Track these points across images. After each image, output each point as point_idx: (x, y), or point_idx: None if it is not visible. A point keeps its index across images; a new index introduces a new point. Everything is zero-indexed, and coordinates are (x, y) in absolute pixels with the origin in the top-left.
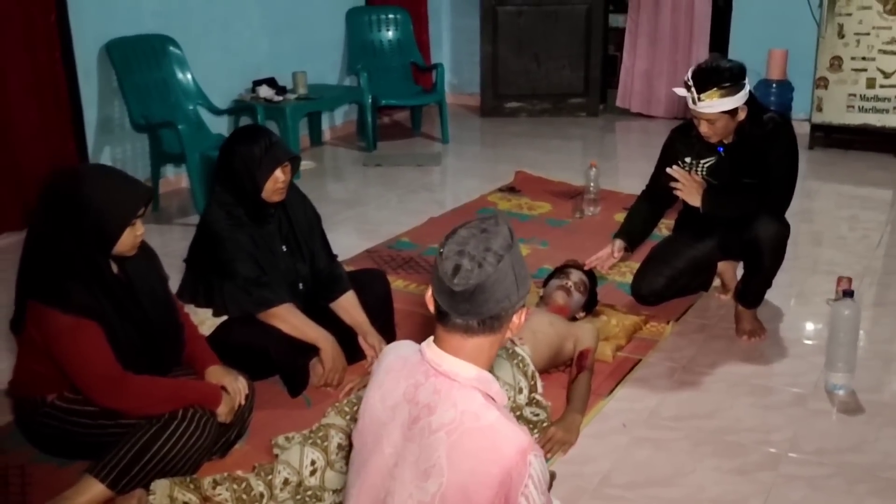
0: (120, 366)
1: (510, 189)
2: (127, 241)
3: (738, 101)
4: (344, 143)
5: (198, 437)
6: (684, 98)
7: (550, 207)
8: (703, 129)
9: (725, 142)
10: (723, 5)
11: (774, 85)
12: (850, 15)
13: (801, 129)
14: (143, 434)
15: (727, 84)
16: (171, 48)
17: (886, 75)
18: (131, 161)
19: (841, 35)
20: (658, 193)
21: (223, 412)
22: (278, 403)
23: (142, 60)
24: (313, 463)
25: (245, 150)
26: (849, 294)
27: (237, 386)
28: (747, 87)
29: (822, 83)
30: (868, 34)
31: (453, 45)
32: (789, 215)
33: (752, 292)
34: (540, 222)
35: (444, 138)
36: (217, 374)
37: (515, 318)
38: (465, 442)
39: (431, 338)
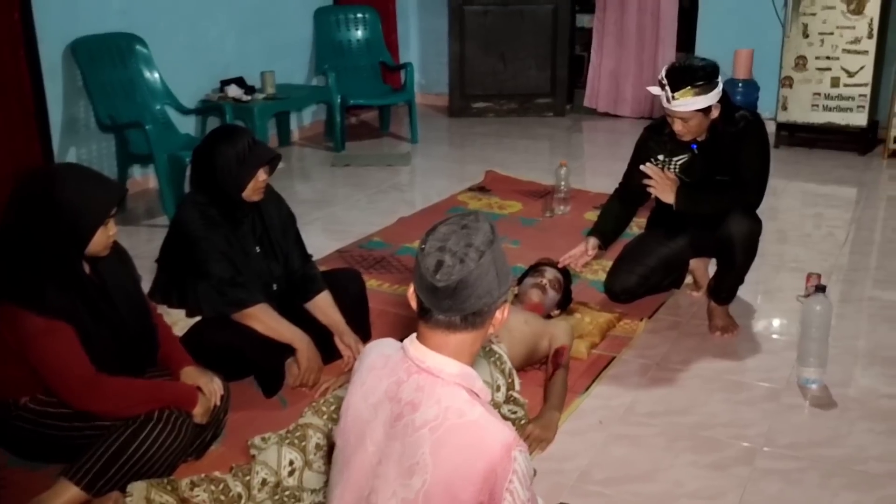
0: (94, 367)
1: (480, 188)
2: (100, 241)
3: (711, 99)
4: (312, 143)
5: (174, 438)
6: (652, 97)
7: (521, 206)
8: (677, 127)
9: (698, 140)
10: (689, 6)
11: (741, 84)
12: (814, 15)
13: (767, 128)
14: (119, 436)
15: (701, 83)
16: (138, 47)
17: (850, 74)
18: (97, 161)
19: (805, 35)
20: (631, 192)
21: (199, 413)
22: (254, 404)
23: (108, 60)
24: (291, 463)
25: (228, 148)
26: (821, 289)
27: (212, 387)
28: (720, 86)
29: (787, 82)
30: (832, 34)
31: (421, 45)
32: (757, 213)
33: (725, 289)
34: (511, 221)
35: (413, 138)
36: (192, 374)
37: (498, 314)
38: (449, 438)
39: (414, 335)
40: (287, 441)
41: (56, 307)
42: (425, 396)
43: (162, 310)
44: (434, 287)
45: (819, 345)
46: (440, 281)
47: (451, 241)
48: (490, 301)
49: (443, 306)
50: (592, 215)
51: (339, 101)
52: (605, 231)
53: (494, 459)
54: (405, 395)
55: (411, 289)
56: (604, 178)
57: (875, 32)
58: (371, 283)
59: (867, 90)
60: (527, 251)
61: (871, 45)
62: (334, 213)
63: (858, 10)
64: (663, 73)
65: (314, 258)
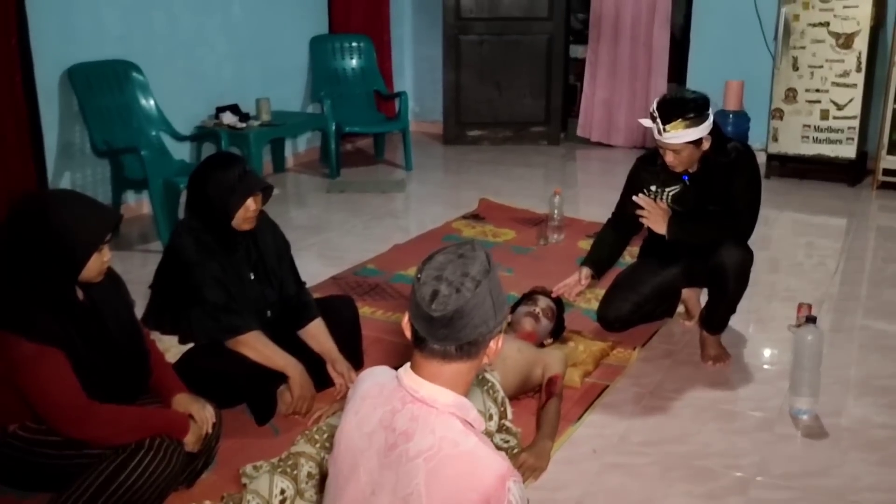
0: (85, 395)
1: (474, 216)
2: (94, 267)
3: (702, 131)
4: (307, 170)
5: (164, 466)
6: (644, 128)
7: (515, 234)
8: (669, 158)
9: (690, 171)
10: (680, 38)
11: (731, 115)
12: (804, 48)
13: (758, 159)
14: (109, 464)
15: (692, 115)
16: (134, 74)
17: (839, 107)
18: (92, 187)
19: (795, 67)
20: (624, 221)
21: (190, 441)
22: (246, 432)
23: (104, 86)
24: (283, 492)
25: (219, 176)
26: (812, 320)
27: (204, 414)
28: (711, 118)
29: (777, 114)
30: (822, 67)
31: (416, 74)
32: (748, 243)
33: (717, 318)
34: (505, 249)
35: (407, 165)
36: (184, 402)
37: (493, 344)
38: (443, 469)
39: (408, 364)
40: (279, 469)
41: (47, 333)
42: (420, 426)
43: (155, 336)
44: (430, 316)
45: (811, 375)
46: (436, 311)
47: (447, 270)
48: (486, 331)
49: (438, 336)
50: (586, 244)
51: (333, 128)
52: (599, 260)
53: (489, 490)
54: (399, 425)
55: (406, 318)
56: (597, 207)
57: (863, 66)
58: (365, 310)
59: (856, 122)
60: (520, 279)
61: (859, 79)
62: (329, 239)
63: (847, 45)
64: (654, 105)
65: (309, 284)
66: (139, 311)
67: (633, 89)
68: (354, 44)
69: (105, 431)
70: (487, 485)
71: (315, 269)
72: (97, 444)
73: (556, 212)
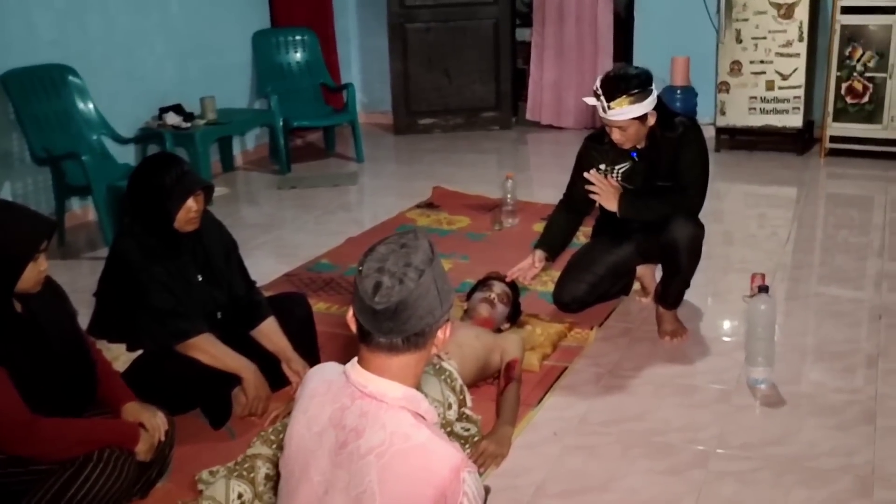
0: (28, 410)
1: (428, 205)
2: (30, 278)
3: (646, 106)
4: (257, 167)
5: (115, 478)
6: (593, 108)
7: (469, 221)
8: (616, 135)
9: (638, 147)
10: (625, 16)
11: (679, 91)
12: (746, 20)
13: (707, 133)
14: (57, 480)
15: (635, 91)
16: (71, 77)
17: (784, 77)
18: (34, 195)
19: (739, 40)
20: (575, 202)
21: (142, 450)
22: (201, 437)
23: (40, 91)
24: (240, 496)
25: (155, 180)
26: (764, 289)
27: (156, 422)
28: (655, 93)
29: (723, 87)
30: (765, 38)
31: (363, 64)
32: (701, 216)
33: (671, 293)
34: (459, 236)
35: (358, 157)
36: (134, 410)
37: (440, 334)
38: (396, 464)
39: (355, 359)
40: (235, 473)
41: None
42: (369, 422)
43: (101, 345)
44: (373, 310)
45: (766, 344)
46: (379, 303)
47: (389, 261)
48: (432, 321)
49: (383, 328)
50: (540, 226)
51: (281, 123)
52: (552, 243)
53: (444, 483)
54: (349, 422)
55: (350, 312)
56: (550, 189)
57: (805, 35)
58: (319, 305)
59: (801, 92)
60: (476, 266)
61: (802, 48)
62: (281, 236)
63: (788, 15)
64: (598, 83)
65: (261, 283)
66: (85, 321)
67: (581, 70)
68: (298, 37)
69: (51, 447)
70: (442, 477)
71: (268, 266)
72: (44, 459)
73: (509, 196)
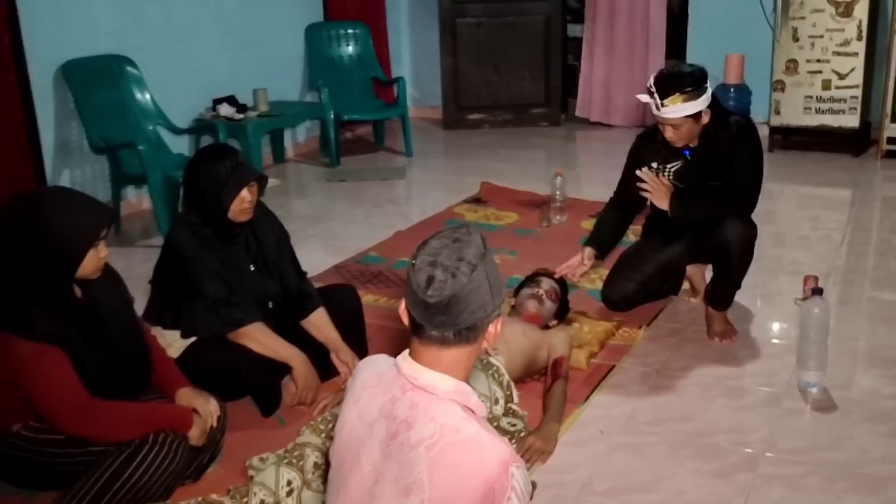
0: (87, 392)
1: (476, 200)
2: (90, 264)
3: (700, 104)
4: (307, 160)
5: (170, 461)
6: (644, 106)
7: (517, 217)
8: (668, 133)
9: (691, 146)
10: (678, 13)
11: (732, 89)
12: (803, 18)
13: (760, 132)
14: (114, 461)
15: (689, 88)
16: (129, 68)
17: (841, 76)
18: (91, 183)
19: (796, 38)
20: (626, 200)
21: (195, 435)
22: (251, 424)
23: (99, 82)
24: (289, 483)
25: (210, 169)
26: (818, 292)
27: (208, 408)
28: (709, 91)
29: (778, 86)
30: (822, 37)
31: (413, 59)
32: (752, 217)
33: (722, 294)
34: (507, 232)
35: (407, 151)
36: (187, 396)
37: (491, 328)
38: (445, 456)
39: (407, 351)
40: (285, 461)
41: (46, 332)
42: (420, 414)
43: (156, 331)
44: (426, 303)
45: (818, 348)
46: (432, 297)
47: (442, 255)
48: (483, 315)
49: (435, 322)
50: (589, 224)
51: (332, 116)
52: (601, 240)
53: (492, 477)
54: (400, 414)
55: (402, 305)
56: (599, 187)
57: (864, 34)
58: (368, 298)
59: (858, 92)
60: (524, 262)
61: (860, 47)
62: (331, 228)
63: (847, 13)
64: (652, 80)
65: (311, 274)
66: (140, 307)
67: (632, 67)
68: (350, 31)
69: (108, 428)
70: (490, 471)
71: (317, 258)
72: (101, 441)
73: (558, 193)
